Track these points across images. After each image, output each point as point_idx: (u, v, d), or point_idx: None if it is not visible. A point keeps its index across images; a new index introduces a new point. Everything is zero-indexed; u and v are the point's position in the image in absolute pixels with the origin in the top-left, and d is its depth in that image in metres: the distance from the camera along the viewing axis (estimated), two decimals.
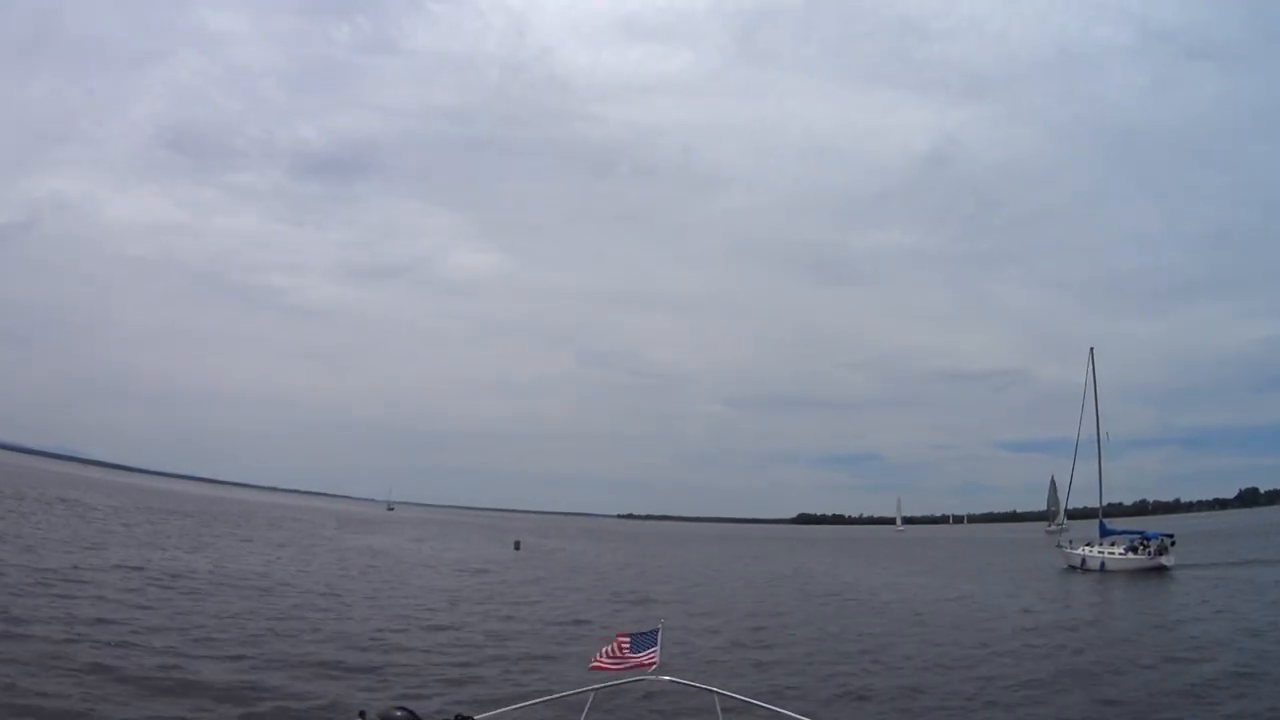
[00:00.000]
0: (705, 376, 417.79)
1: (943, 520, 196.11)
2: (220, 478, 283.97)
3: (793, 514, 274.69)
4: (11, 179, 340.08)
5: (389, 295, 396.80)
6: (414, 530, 70.73)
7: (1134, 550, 42.89)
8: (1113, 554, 43.04)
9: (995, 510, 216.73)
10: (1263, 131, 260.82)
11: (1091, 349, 48.73)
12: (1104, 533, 45.46)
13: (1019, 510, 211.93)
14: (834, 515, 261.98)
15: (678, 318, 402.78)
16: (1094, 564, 42.75)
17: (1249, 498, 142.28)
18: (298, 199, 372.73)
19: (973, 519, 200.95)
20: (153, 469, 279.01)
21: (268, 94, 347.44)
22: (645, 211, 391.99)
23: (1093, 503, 55.50)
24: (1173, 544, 42.35)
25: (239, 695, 10.55)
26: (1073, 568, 43.77)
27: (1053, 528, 48.42)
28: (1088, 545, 44.81)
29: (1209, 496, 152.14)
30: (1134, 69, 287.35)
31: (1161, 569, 40.92)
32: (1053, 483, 49.01)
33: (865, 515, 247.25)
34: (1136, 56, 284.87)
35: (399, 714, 3.82)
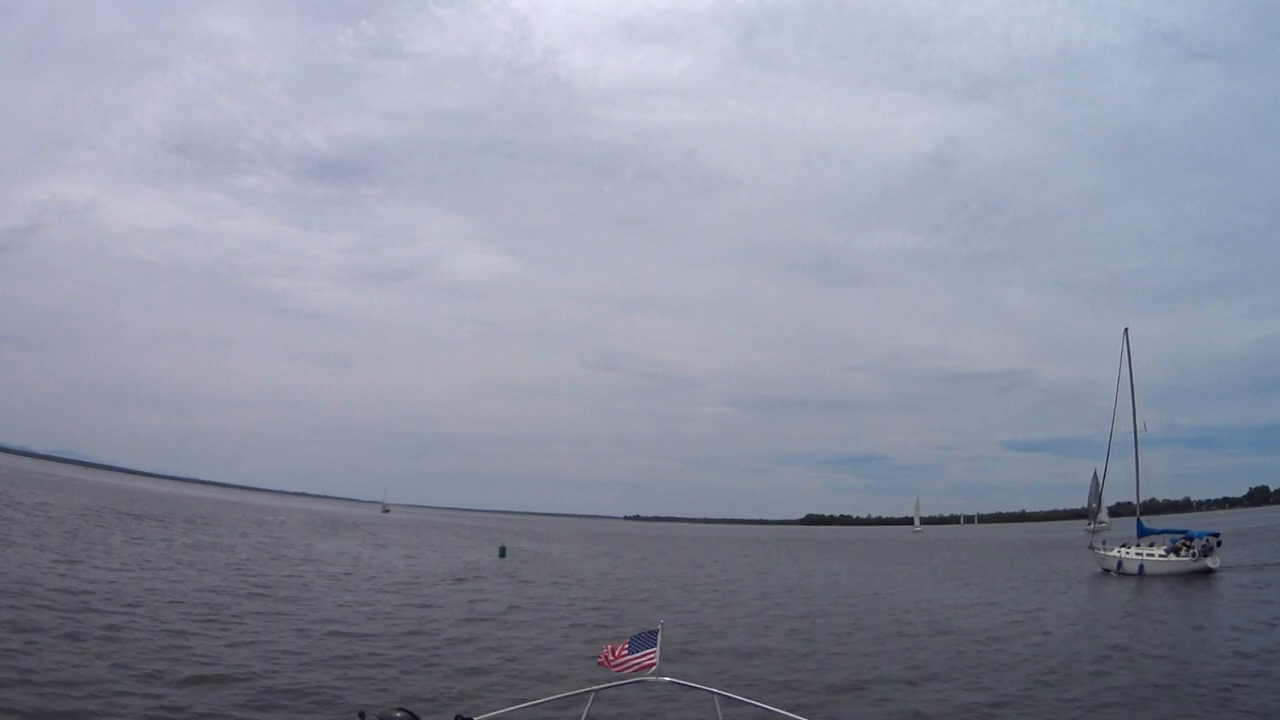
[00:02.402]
0: (711, 378, 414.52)
1: (954, 520, 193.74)
2: (225, 481, 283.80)
3: (800, 515, 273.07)
4: (16, 183, 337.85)
5: (394, 298, 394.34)
6: (396, 534, 66.25)
7: (1176, 552, 39.24)
8: (1152, 556, 39.41)
9: (1004, 510, 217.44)
10: (1265, 133, 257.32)
11: (1126, 329, 44.75)
12: (1142, 532, 41.60)
13: (1028, 510, 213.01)
14: (841, 516, 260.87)
15: (683, 320, 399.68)
16: (1131, 567, 39.02)
17: (1259, 496, 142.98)
18: (303, 202, 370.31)
19: (983, 519, 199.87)
20: (158, 472, 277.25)
21: (272, 98, 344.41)
22: (650, 214, 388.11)
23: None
24: (1219, 544, 38.83)
25: None
26: (1107, 571, 40.01)
27: (1093, 526, 44.55)
28: (1124, 547, 40.99)
29: (1218, 495, 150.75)
30: (1137, 70, 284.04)
31: (1207, 572, 37.50)
32: (1095, 478, 44.99)
33: (873, 516, 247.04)
34: (1139, 58, 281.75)
35: (399, 715, 3.90)
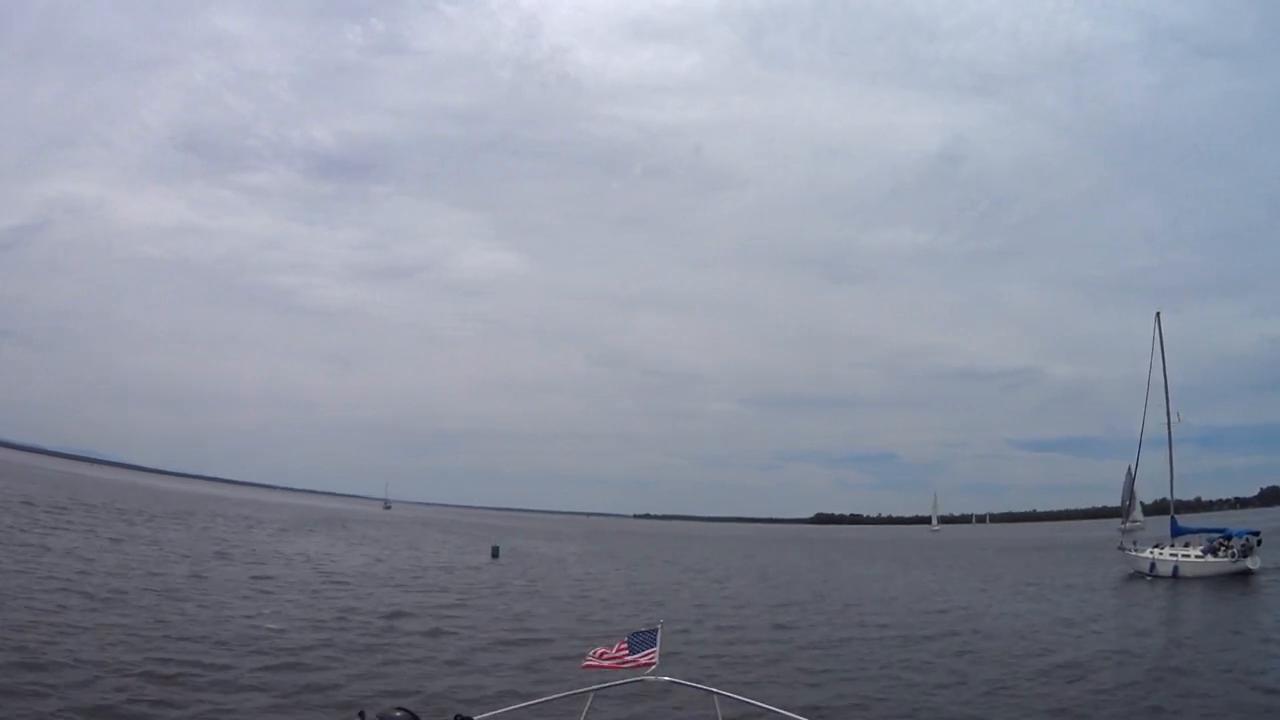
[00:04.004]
0: (718, 376, 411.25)
1: (966, 520, 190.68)
2: (233, 478, 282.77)
3: (810, 513, 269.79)
4: (23, 181, 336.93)
5: (401, 295, 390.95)
6: (382, 531, 63.40)
7: (1214, 552, 36.48)
8: (1188, 557, 36.58)
9: (1014, 509, 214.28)
10: (1272, 130, 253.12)
11: (1158, 314, 41.92)
12: (1176, 531, 38.76)
13: (1039, 509, 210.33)
14: (852, 515, 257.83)
15: (690, 317, 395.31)
16: (1165, 569, 36.17)
17: (1270, 496, 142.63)
18: (311, 199, 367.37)
19: (994, 518, 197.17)
20: (171, 470, 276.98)
21: (280, 95, 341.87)
22: (657, 211, 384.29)
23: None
24: (1259, 543, 36.04)
25: None
26: (1139, 574, 37.21)
27: (1127, 525, 41.73)
28: (1157, 547, 38.13)
29: (1229, 495, 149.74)
30: (1144, 67, 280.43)
31: (1247, 573, 34.81)
32: (1128, 474, 42.21)
33: (884, 515, 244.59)
34: (1146, 55, 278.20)
35: (398, 714, 3.81)
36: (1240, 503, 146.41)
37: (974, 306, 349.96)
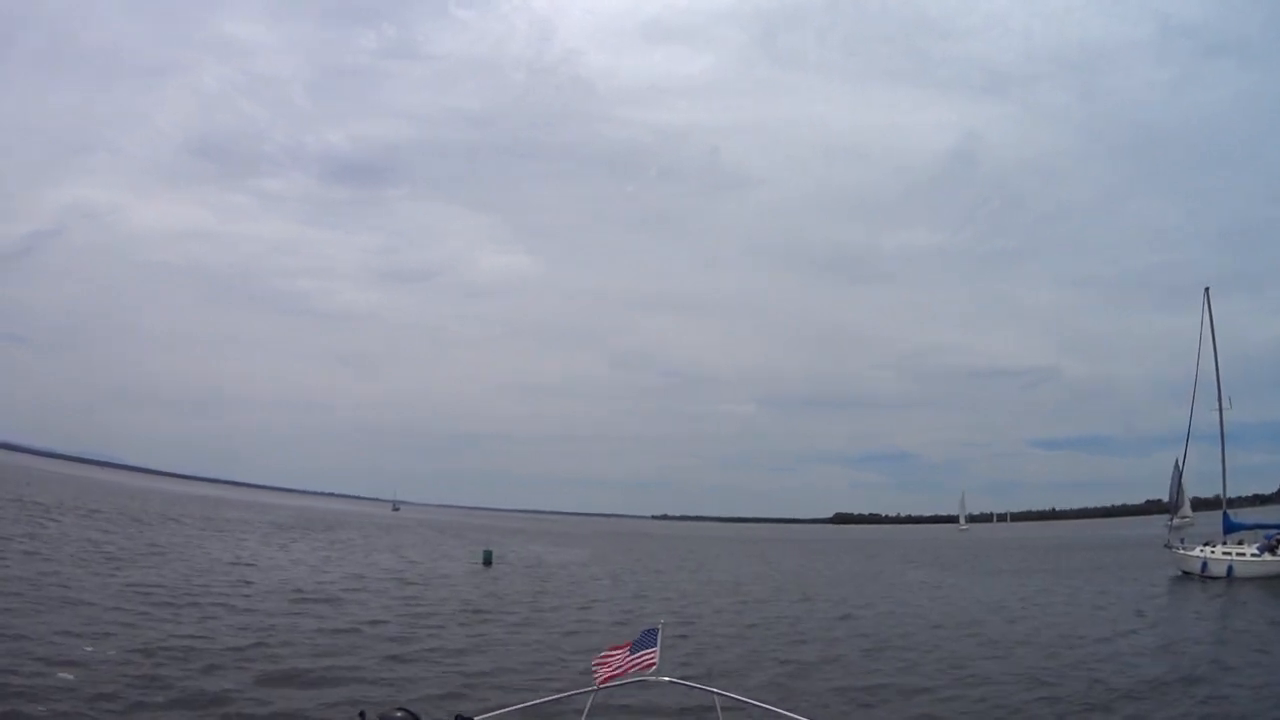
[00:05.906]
0: (735, 377, 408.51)
1: (987, 518, 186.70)
2: (248, 481, 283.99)
3: (829, 513, 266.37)
4: (39, 187, 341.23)
5: (416, 299, 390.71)
6: (372, 535, 59.95)
7: (1271, 550, 33.27)
8: (1243, 556, 33.39)
9: (1033, 508, 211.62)
10: None
11: (1207, 289, 38.96)
12: (1229, 528, 35.57)
13: (1058, 508, 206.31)
14: (871, 515, 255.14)
15: (707, 319, 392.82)
16: (1219, 569, 33.02)
17: None
18: (326, 204, 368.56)
19: (1014, 517, 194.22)
20: (180, 472, 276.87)
21: (293, 100, 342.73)
22: (673, 213, 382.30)
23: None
24: None
25: None
26: (1187, 574, 34.06)
27: (1175, 521, 38.65)
28: (1206, 545, 34.95)
29: (1248, 492, 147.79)
30: (1155, 65, 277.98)
31: None
32: (1176, 467, 39.27)
33: (903, 514, 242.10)
34: (1158, 53, 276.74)
35: (399, 715, 3.80)
36: (1261, 500, 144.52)
37: (989, 306, 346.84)
